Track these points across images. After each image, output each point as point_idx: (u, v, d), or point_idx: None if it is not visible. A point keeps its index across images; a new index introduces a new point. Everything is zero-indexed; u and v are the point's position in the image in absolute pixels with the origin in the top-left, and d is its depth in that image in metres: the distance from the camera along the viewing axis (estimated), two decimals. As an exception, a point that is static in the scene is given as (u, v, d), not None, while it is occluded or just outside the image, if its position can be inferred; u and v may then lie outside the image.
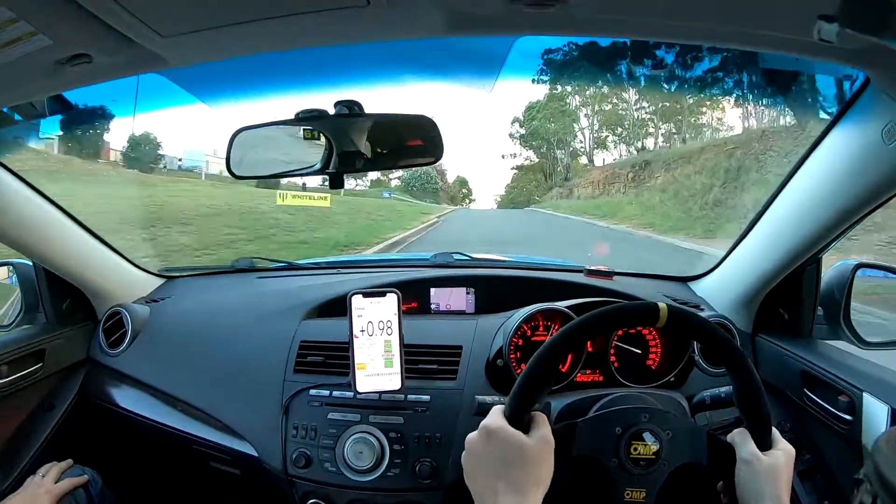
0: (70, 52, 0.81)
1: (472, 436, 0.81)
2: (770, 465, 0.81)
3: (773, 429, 0.85)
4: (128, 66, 0.92)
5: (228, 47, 0.89)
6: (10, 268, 1.53)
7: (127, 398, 1.51)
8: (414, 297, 1.55)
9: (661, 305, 0.82)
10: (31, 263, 1.50)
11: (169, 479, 1.68)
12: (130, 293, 1.66)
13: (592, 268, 1.59)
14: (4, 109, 1.14)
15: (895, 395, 1.02)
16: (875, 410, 1.03)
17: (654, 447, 0.85)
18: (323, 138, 1.05)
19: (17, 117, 1.17)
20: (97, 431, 1.57)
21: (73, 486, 1.30)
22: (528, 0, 0.71)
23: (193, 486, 1.66)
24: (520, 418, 0.79)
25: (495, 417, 0.80)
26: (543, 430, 0.79)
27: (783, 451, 0.83)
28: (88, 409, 1.55)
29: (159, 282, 1.78)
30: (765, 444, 0.84)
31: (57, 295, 1.53)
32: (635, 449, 0.85)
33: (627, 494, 0.85)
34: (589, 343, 1.28)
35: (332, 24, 0.81)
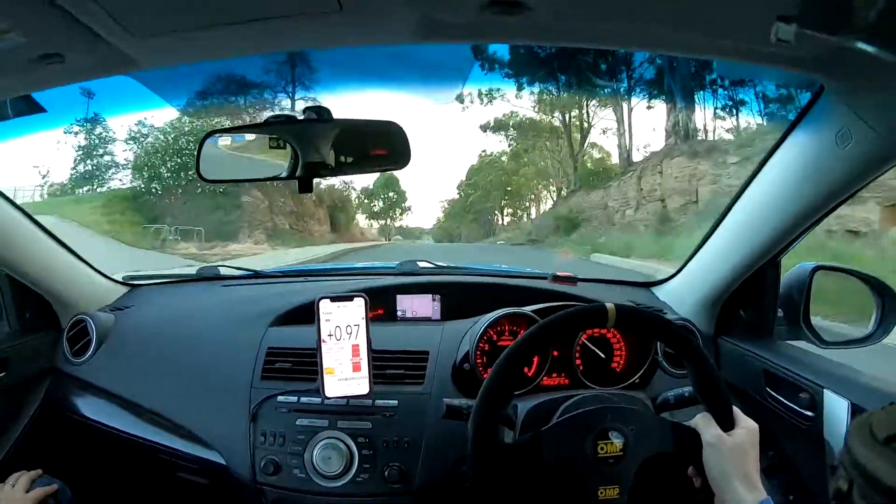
0: (43, 50, 0.81)
1: None
2: (735, 444, 0.84)
3: (735, 408, 0.88)
4: (100, 67, 0.92)
5: (201, 50, 0.91)
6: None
7: (92, 407, 1.47)
8: (380, 305, 1.56)
9: (609, 305, 0.86)
10: None
11: (136, 490, 1.63)
12: (95, 301, 1.62)
13: (558, 273, 1.62)
14: None
15: (855, 389, 1.06)
16: (836, 406, 1.06)
17: (620, 443, 0.87)
18: (291, 144, 1.07)
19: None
20: (63, 441, 1.54)
21: (44, 495, 1.26)
22: (496, 9, 0.74)
23: (161, 496, 1.61)
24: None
25: None
26: None
27: (746, 429, 0.86)
28: (54, 419, 1.51)
29: (124, 290, 1.74)
30: (727, 424, 0.86)
31: (21, 302, 1.50)
32: (602, 448, 0.87)
33: (601, 493, 0.87)
34: (553, 348, 1.30)
35: (305, 29, 0.82)
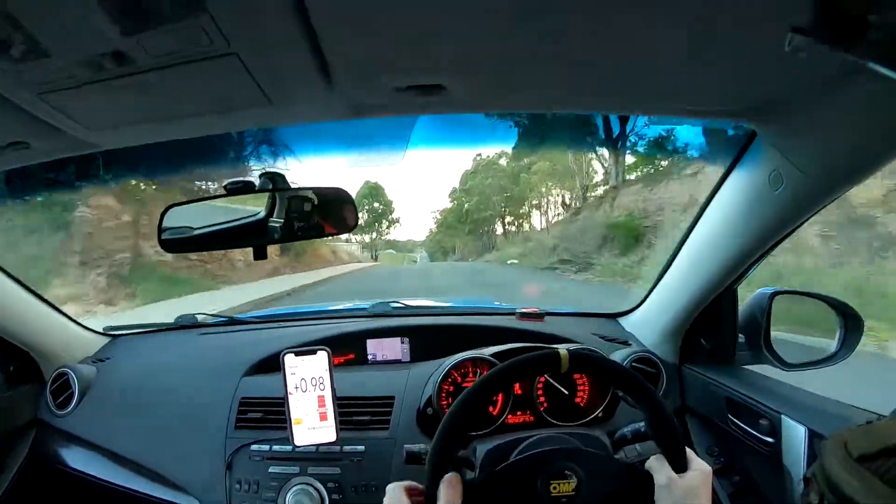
0: (9, 139, 0.89)
1: None
2: (687, 486, 0.85)
3: (688, 450, 0.90)
4: (61, 150, 1.00)
5: (151, 135, 0.97)
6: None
7: (77, 458, 1.50)
8: (351, 349, 1.60)
9: (562, 352, 0.88)
10: None
11: None
12: (76, 353, 1.66)
13: (524, 310, 1.65)
14: None
15: (811, 415, 1.09)
16: (793, 432, 1.09)
17: (573, 483, 0.89)
18: (246, 212, 1.12)
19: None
20: (49, 492, 1.57)
21: None
22: (414, 91, 0.80)
23: None
24: (438, 477, 0.83)
25: (392, 499, 0.84)
26: (452, 495, 0.82)
27: (699, 471, 0.87)
28: (40, 470, 1.54)
29: (104, 340, 1.78)
30: (680, 466, 0.87)
31: (3, 357, 1.53)
32: (555, 487, 0.88)
33: None
34: (517, 386, 1.34)
35: (243, 118, 0.88)
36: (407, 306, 1.80)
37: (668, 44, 0.69)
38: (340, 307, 1.90)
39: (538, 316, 1.60)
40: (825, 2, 0.50)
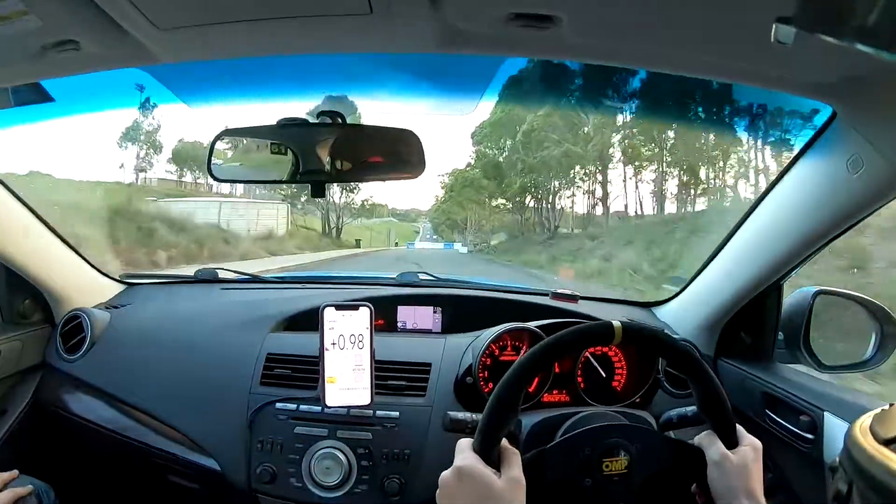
0: (59, 36, 0.80)
1: (445, 474, 0.81)
2: (739, 461, 0.84)
3: (738, 426, 0.88)
4: (115, 59, 0.91)
5: (224, 47, 0.89)
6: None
7: (83, 406, 1.45)
8: (381, 315, 1.54)
9: (615, 323, 0.85)
10: None
11: (125, 492, 1.60)
12: (91, 298, 1.60)
13: (558, 291, 1.62)
14: None
15: (856, 412, 1.06)
16: (836, 429, 1.06)
17: (625, 461, 0.86)
18: (300, 148, 1.06)
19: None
20: (50, 439, 1.51)
21: (15, 497, 1.22)
22: (522, 21, 0.74)
23: (151, 499, 1.58)
24: (489, 452, 0.79)
25: (466, 455, 0.80)
26: (514, 470, 0.79)
27: (750, 447, 0.86)
28: (42, 416, 1.49)
29: (120, 288, 1.73)
30: (731, 442, 0.86)
31: (14, 295, 1.48)
32: (606, 466, 0.86)
33: None
34: (556, 364, 1.30)
35: (331, 31, 0.82)
36: (437, 278, 1.76)
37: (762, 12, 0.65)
38: (368, 274, 1.85)
39: (572, 297, 1.57)
40: None
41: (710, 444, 0.86)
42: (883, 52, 0.47)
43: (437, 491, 0.81)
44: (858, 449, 0.49)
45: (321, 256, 16.90)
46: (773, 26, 0.56)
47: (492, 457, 0.79)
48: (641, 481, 0.87)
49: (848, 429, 0.52)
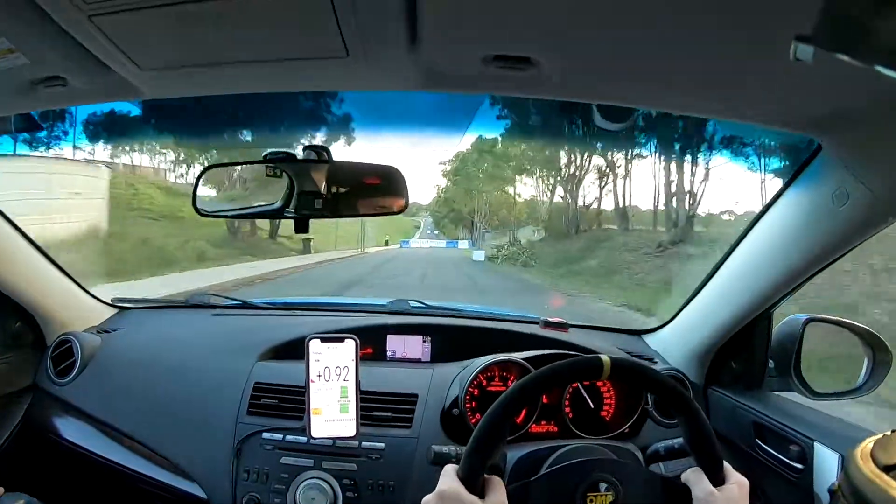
0: (46, 73, 0.81)
1: (427, 499, 0.80)
2: (725, 499, 0.83)
3: (725, 463, 0.88)
4: (101, 93, 0.92)
5: (206, 85, 0.91)
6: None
7: (72, 430, 1.44)
8: (370, 344, 1.54)
9: (605, 358, 0.85)
10: None
11: None
12: (82, 321, 1.60)
13: (549, 319, 1.61)
14: None
15: (846, 442, 1.04)
16: (826, 459, 1.06)
17: (610, 497, 0.86)
18: (286, 182, 1.07)
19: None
20: (38, 462, 1.50)
21: None
22: (501, 63, 0.75)
23: None
24: (475, 480, 0.79)
25: (449, 481, 0.80)
26: (498, 496, 0.79)
27: (737, 484, 0.85)
28: (31, 439, 1.48)
29: (112, 312, 1.72)
30: (718, 479, 0.85)
31: (6, 317, 1.47)
32: (591, 500, 0.85)
33: None
34: (544, 395, 1.29)
35: (312, 72, 0.83)
36: (428, 306, 1.75)
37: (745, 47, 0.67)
38: (358, 301, 1.85)
39: (563, 326, 1.56)
40: (828, 8, 0.49)
41: (696, 481, 0.86)
42: None
43: None
44: (858, 474, 0.49)
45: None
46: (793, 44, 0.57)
47: (476, 485, 0.79)
48: None
49: (848, 454, 0.52)
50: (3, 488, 1.29)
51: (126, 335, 1.59)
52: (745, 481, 0.87)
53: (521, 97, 0.90)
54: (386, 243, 24.71)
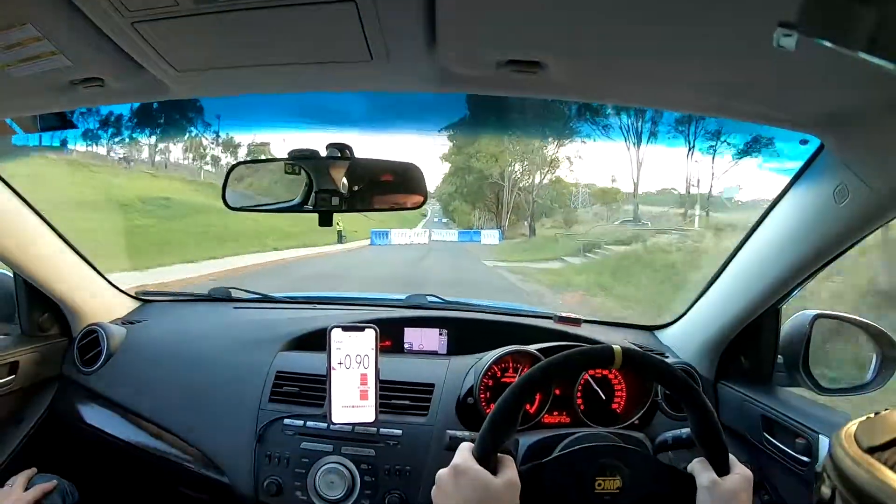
0: (85, 74, 0.85)
1: (442, 472, 0.83)
2: (729, 489, 0.85)
3: (731, 455, 0.90)
4: (136, 93, 0.96)
5: (236, 86, 0.95)
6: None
7: (97, 417, 1.49)
8: (388, 336, 1.58)
9: (616, 348, 0.88)
10: (10, 274, 1.50)
11: (136, 500, 1.64)
12: (107, 313, 1.65)
13: (562, 314, 1.64)
14: (8, 120, 1.16)
15: None
16: None
17: (618, 482, 0.89)
18: (311, 178, 1.11)
19: (15, 128, 1.19)
20: (65, 448, 1.55)
21: (42, 493, 1.28)
22: (512, 67, 0.78)
23: None
24: (488, 458, 0.82)
25: (464, 456, 0.83)
26: (510, 472, 0.82)
27: (741, 475, 0.87)
28: (57, 426, 1.53)
29: (136, 304, 1.78)
30: (723, 470, 0.88)
31: (34, 308, 1.53)
32: (599, 484, 0.89)
33: None
34: (556, 387, 1.33)
35: (336, 74, 0.87)
36: (444, 300, 1.79)
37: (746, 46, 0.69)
38: (376, 296, 1.89)
39: (576, 321, 1.59)
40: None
41: (701, 470, 0.88)
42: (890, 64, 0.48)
43: (433, 489, 0.83)
44: (842, 456, 0.50)
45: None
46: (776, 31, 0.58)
47: (489, 462, 0.82)
48: (633, 502, 0.89)
49: (832, 436, 0.54)
50: (36, 469, 1.35)
51: (150, 326, 1.64)
52: (748, 473, 0.89)
53: (532, 97, 0.93)
54: (340, 237, 17.30)
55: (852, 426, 0.53)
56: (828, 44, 0.48)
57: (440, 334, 1.60)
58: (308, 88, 0.92)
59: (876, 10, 0.44)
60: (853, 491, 0.49)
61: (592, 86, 0.87)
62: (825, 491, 0.52)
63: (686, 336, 1.55)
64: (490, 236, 20.71)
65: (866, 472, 0.48)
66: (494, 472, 0.82)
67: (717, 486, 0.85)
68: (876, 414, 0.55)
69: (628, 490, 0.89)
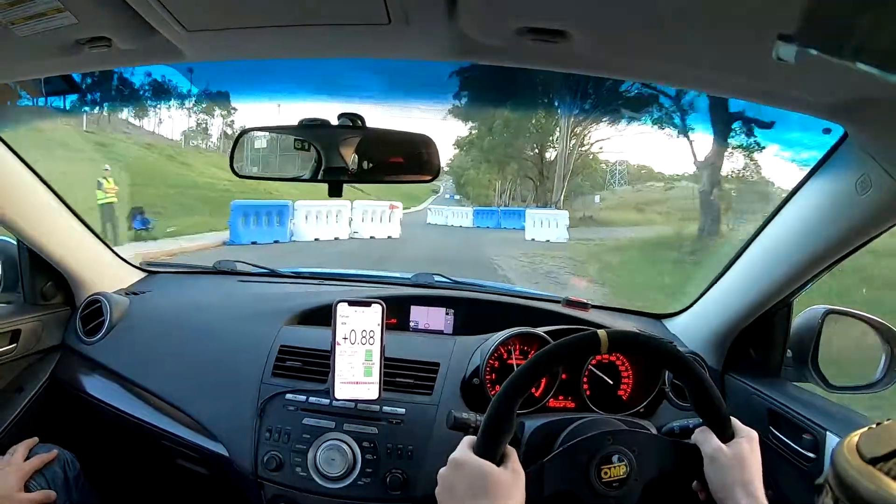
0: (92, 33, 0.82)
1: (442, 470, 0.83)
2: (734, 454, 0.85)
3: (734, 419, 0.89)
4: (145, 55, 0.93)
5: (248, 49, 0.92)
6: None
7: (98, 387, 1.49)
8: (394, 314, 1.56)
9: (601, 333, 0.87)
10: (14, 242, 1.50)
11: (134, 473, 1.65)
12: (111, 283, 1.65)
13: (571, 298, 1.62)
14: (12, 84, 1.14)
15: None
16: None
17: (624, 467, 0.88)
18: (322, 147, 1.09)
19: (21, 93, 1.18)
20: (66, 418, 1.55)
21: (42, 463, 1.28)
22: (533, 35, 0.75)
23: (159, 481, 1.63)
24: (492, 453, 0.81)
25: (463, 449, 0.82)
26: (513, 462, 0.82)
27: (746, 438, 0.87)
28: (58, 395, 1.53)
29: (140, 275, 1.77)
30: (726, 436, 0.87)
31: (37, 277, 1.52)
32: (605, 472, 0.88)
33: None
34: (563, 372, 1.32)
35: (352, 38, 0.84)
36: (452, 280, 1.77)
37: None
38: (383, 274, 1.88)
39: (583, 305, 1.58)
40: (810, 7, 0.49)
41: (704, 439, 0.88)
42: (887, 74, 0.47)
43: (437, 488, 0.83)
44: (845, 467, 0.50)
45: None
46: (775, 43, 0.56)
47: (494, 458, 0.81)
48: (642, 484, 0.89)
49: (835, 447, 0.53)
50: (38, 438, 1.35)
51: (154, 297, 1.64)
52: (753, 434, 0.88)
53: (552, 71, 0.91)
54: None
55: (855, 437, 0.53)
56: (825, 56, 0.47)
57: (446, 314, 1.59)
58: (322, 54, 0.89)
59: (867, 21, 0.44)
60: (856, 502, 0.48)
61: (615, 61, 0.84)
62: (828, 501, 0.52)
63: (695, 325, 1.53)
64: (545, 222, 13.45)
65: (870, 483, 0.47)
66: (497, 464, 0.81)
67: (721, 452, 0.85)
68: (878, 424, 0.54)
69: (636, 473, 0.88)
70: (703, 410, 0.89)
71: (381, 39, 0.84)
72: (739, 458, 0.84)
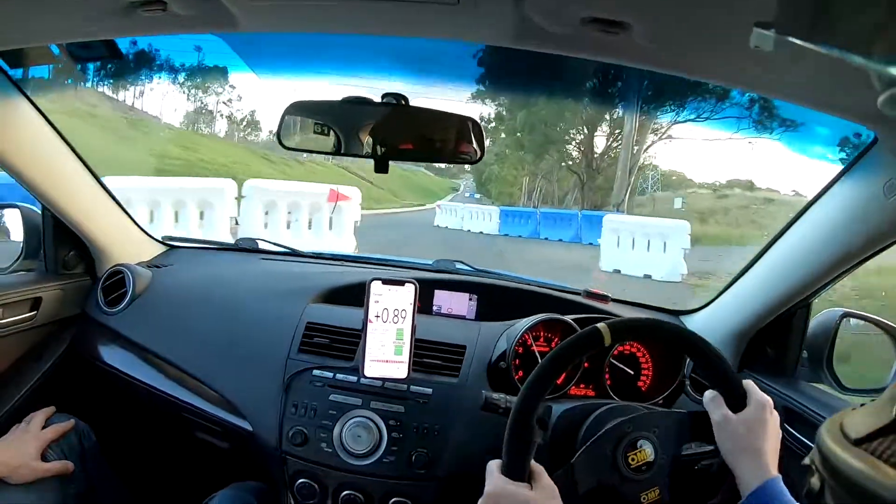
0: None
1: (480, 502, 0.82)
2: (742, 420, 0.85)
3: (748, 383, 0.90)
4: (198, 22, 0.92)
5: (306, 21, 0.92)
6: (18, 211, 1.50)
7: (118, 358, 1.49)
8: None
9: (601, 326, 0.88)
10: (38, 210, 1.49)
11: (152, 445, 1.64)
12: (133, 255, 1.64)
13: (591, 290, 1.64)
14: (52, 47, 1.13)
15: None
16: None
17: (650, 450, 0.90)
18: (367, 124, 1.09)
19: (58, 55, 1.16)
20: (83, 387, 1.55)
21: (58, 433, 1.28)
22: (596, 25, 0.76)
23: (177, 454, 1.63)
24: (519, 473, 0.82)
25: (495, 479, 0.82)
26: (545, 479, 0.82)
27: (755, 404, 0.87)
28: (76, 365, 1.53)
29: (162, 249, 1.77)
30: (738, 402, 0.87)
31: (60, 245, 1.51)
32: (632, 458, 0.89)
33: (643, 498, 0.89)
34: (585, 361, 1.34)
35: (418, 16, 0.85)
36: (473, 268, 1.78)
37: None
38: (404, 259, 1.88)
39: (603, 297, 1.59)
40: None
41: (714, 406, 0.88)
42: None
43: None
44: (829, 448, 0.50)
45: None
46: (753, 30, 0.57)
47: (522, 477, 0.82)
48: (670, 460, 0.90)
49: (819, 428, 0.54)
50: (55, 408, 1.35)
51: (176, 271, 1.64)
52: (765, 399, 0.88)
53: (611, 64, 0.92)
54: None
55: (838, 418, 0.54)
56: (798, 42, 0.48)
57: (469, 299, 1.60)
58: (385, 31, 0.90)
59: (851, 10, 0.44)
60: (842, 483, 0.48)
61: (674, 56, 0.85)
62: (814, 482, 0.52)
63: (714, 322, 1.54)
64: (640, 239, 8.32)
65: (857, 464, 0.47)
66: (529, 484, 0.81)
67: (728, 420, 0.86)
68: (861, 405, 0.55)
69: (661, 453, 0.90)
70: (713, 380, 0.90)
71: (447, 19, 0.84)
72: (748, 424, 0.85)
